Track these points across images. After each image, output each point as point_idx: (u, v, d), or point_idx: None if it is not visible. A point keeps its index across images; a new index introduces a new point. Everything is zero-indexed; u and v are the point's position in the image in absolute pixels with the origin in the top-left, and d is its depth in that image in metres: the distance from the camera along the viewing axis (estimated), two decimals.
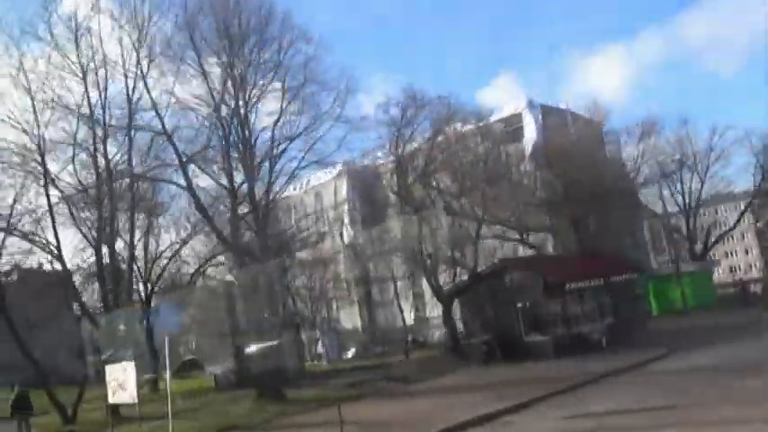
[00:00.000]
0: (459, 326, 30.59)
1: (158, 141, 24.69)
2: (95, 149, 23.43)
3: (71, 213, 23.11)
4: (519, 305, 24.40)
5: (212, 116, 24.47)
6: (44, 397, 22.82)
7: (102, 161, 23.88)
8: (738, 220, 52.10)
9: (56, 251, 22.86)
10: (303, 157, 25.93)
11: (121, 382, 17.52)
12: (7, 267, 29.81)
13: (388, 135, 30.28)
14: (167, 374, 16.31)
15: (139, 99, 24.49)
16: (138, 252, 28.98)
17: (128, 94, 24.11)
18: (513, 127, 48.64)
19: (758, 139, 42.70)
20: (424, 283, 55.29)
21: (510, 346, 23.94)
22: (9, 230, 22.24)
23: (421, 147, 30.69)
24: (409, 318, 60.37)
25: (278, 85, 25.56)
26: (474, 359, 25.05)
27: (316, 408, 18.83)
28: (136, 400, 16.94)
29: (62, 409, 23.54)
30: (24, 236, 23.09)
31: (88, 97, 23.66)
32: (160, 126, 23.75)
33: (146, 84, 22.90)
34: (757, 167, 43.98)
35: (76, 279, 27.43)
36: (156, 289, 34.12)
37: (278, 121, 25.53)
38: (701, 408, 11.92)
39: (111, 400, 18.40)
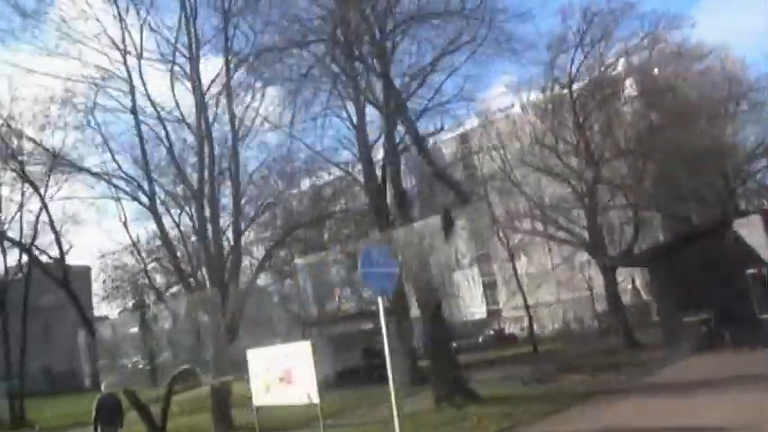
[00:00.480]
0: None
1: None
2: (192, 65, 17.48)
3: (167, 138, 16.96)
4: (751, 271, 18.42)
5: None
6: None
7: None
8: None
9: (148, 199, 16.80)
10: (463, 87, 19.83)
11: (285, 372, 11.64)
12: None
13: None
14: (389, 370, 10.01)
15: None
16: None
17: None
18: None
19: None
20: (497, 270, 49.56)
21: (738, 327, 18.03)
22: (91, 171, 16.56)
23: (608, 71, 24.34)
24: (482, 310, 54.80)
25: None
26: (681, 345, 19.35)
27: (561, 408, 12.91)
28: (316, 400, 11.01)
29: (147, 413, 17.66)
30: (104, 175, 17.24)
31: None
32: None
33: None
34: None
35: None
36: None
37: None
38: None
39: (258, 400, 12.52)
